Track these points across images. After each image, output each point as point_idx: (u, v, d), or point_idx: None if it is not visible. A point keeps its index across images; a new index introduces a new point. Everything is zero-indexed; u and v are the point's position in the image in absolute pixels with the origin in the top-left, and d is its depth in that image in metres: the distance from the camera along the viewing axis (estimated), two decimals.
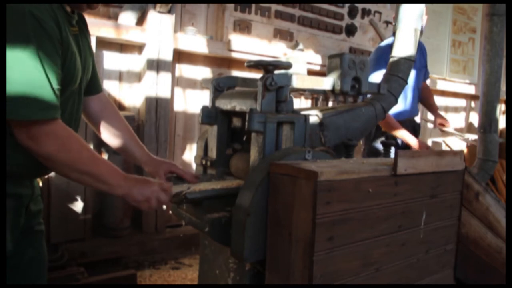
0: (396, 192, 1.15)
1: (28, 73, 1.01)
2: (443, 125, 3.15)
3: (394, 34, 2.88)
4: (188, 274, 2.72)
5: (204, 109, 1.41)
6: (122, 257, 2.73)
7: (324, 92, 1.46)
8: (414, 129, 3.09)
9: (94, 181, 1.14)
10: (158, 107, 3.03)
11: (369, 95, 1.69)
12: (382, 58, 2.62)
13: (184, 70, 3.33)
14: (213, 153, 1.44)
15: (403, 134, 2.70)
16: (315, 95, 3.90)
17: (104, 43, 2.86)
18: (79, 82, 1.26)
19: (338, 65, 1.39)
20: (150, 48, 2.95)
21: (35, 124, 1.04)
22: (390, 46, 2.83)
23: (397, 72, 1.72)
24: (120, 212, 2.87)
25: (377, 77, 2.52)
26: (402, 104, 2.75)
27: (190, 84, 3.37)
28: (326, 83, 1.41)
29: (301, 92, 1.49)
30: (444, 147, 4.66)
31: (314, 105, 3.99)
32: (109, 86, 2.99)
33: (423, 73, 3.08)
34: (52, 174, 2.60)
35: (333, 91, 1.42)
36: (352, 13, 4.20)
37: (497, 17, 2.15)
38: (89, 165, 1.13)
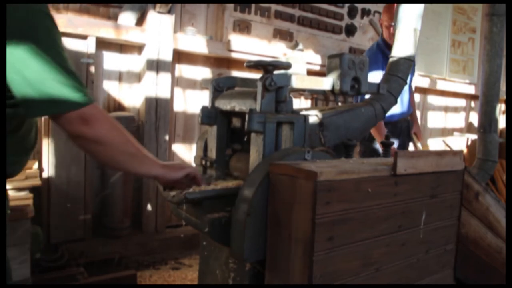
0: (396, 192, 1.15)
1: (63, 64, 1.03)
2: (416, 135, 3.14)
3: (381, 35, 2.92)
4: (188, 275, 2.72)
5: (204, 109, 1.41)
6: (122, 257, 2.73)
7: (323, 92, 1.46)
8: (409, 130, 3.08)
9: (137, 163, 1.16)
10: (158, 108, 3.03)
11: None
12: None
13: (184, 70, 3.33)
14: (212, 154, 1.44)
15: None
16: (315, 95, 3.91)
17: (103, 44, 2.86)
18: None
19: (337, 65, 1.39)
20: (149, 49, 2.96)
21: (86, 109, 1.06)
22: (376, 49, 2.85)
23: (396, 72, 1.72)
24: (120, 212, 2.87)
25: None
26: (398, 104, 2.75)
27: (190, 84, 3.37)
28: (325, 83, 1.41)
29: (301, 92, 1.49)
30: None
31: (314, 105, 3.99)
32: (109, 87, 2.99)
33: (413, 72, 3.08)
34: (52, 174, 2.61)
35: (332, 91, 1.42)
36: (351, 13, 4.20)
37: (497, 17, 2.15)
38: (136, 145, 1.15)
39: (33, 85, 1.00)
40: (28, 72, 0.99)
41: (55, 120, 1.08)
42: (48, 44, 1.02)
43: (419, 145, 3.12)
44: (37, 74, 0.99)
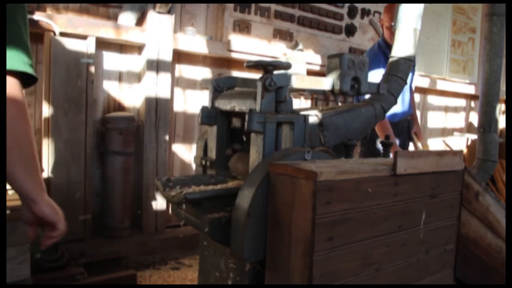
0: (396, 192, 1.15)
1: (22, 33, 0.97)
2: (417, 135, 3.14)
3: (382, 35, 2.91)
4: (188, 275, 2.72)
5: (204, 109, 1.41)
6: (122, 257, 2.73)
7: (323, 93, 1.46)
8: (409, 130, 3.08)
9: (26, 170, 0.96)
10: (158, 108, 3.03)
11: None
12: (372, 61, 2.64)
13: (184, 70, 3.33)
14: (212, 154, 1.44)
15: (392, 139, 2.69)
16: (315, 95, 3.91)
17: (103, 44, 2.86)
18: None
19: (337, 65, 1.39)
20: (149, 49, 2.95)
21: (13, 77, 0.94)
22: (377, 49, 2.85)
23: (396, 72, 1.72)
24: (120, 213, 2.87)
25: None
26: (399, 104, 2.75)
27: (190, 84, 3.37)
28: (325, 83, 1.41)
29: (300, 92, 1.49)
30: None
31: (314, 105, 3.99)
32: (109, 87, 2.99)
33: (413, 72, 3.08)
34: (52, 174, 2.61)
35: (332, 91, 1.42)
36: (351, 13, 4.20)
37: (497, 17, 2.15)
38: (35, 152, 0.98)
39: None
40: None
41: None
42: (18, 16, 0.96)
43: (419, 145, 3.12)
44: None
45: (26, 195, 0.98)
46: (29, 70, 0.96)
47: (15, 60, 0.94)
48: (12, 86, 0.94)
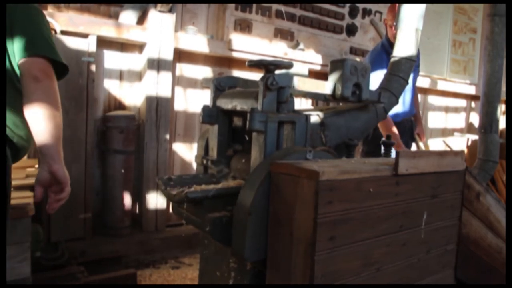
0: (397, 192, 1.15)
1: (50, 35, 1.37)
2: (419, 136, 3.14)
3: (386, 34, 2.90)
4: (188, 274, 2.72)
5: (205, 108, 1.41)
6: (122, 256, 2.74)
7: (325, 98, 1.45)
8: (412, 131, 3.08)
9: (55, 136, 1.26)
10: (158, 107, 3.03)
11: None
12: (375, 62, 2.64)
13: (185, 69, 3.33)
14: (213, 153, 1.44)
15: (395, 137, 2.70)
16: None
17: (104, 42, 2.86)
18: None
19: (339, 70, 1.38)
20: (150, 47, 2.95)
21: (51, 65, 1.29)
22: (381, 49, 2.85)
23: (398, 72, 1.72)
24: (120, 211, 2.87)
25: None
26: (400, 104, 2.74)
27: (191, 83, 3.37)
28: (327, 87, 1.41)
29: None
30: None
31: (315, 105, 3.99)
32: (110, 85, 2.99)
33: (417, 72, 3.08)
34: None
35: (333, 96, 1.41)
36: (352, 13, 4.19)
37: (499, 17, 2.15)
38: (61, 123, 1.31)
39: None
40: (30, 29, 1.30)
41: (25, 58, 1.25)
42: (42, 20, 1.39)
43: (421, 145, 3.12)
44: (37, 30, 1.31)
45: (50, 155, 1.27)
46: (62, 60, 1.35)
47: (52, 51, 1.31)
48: (49, 68, 1.28)
